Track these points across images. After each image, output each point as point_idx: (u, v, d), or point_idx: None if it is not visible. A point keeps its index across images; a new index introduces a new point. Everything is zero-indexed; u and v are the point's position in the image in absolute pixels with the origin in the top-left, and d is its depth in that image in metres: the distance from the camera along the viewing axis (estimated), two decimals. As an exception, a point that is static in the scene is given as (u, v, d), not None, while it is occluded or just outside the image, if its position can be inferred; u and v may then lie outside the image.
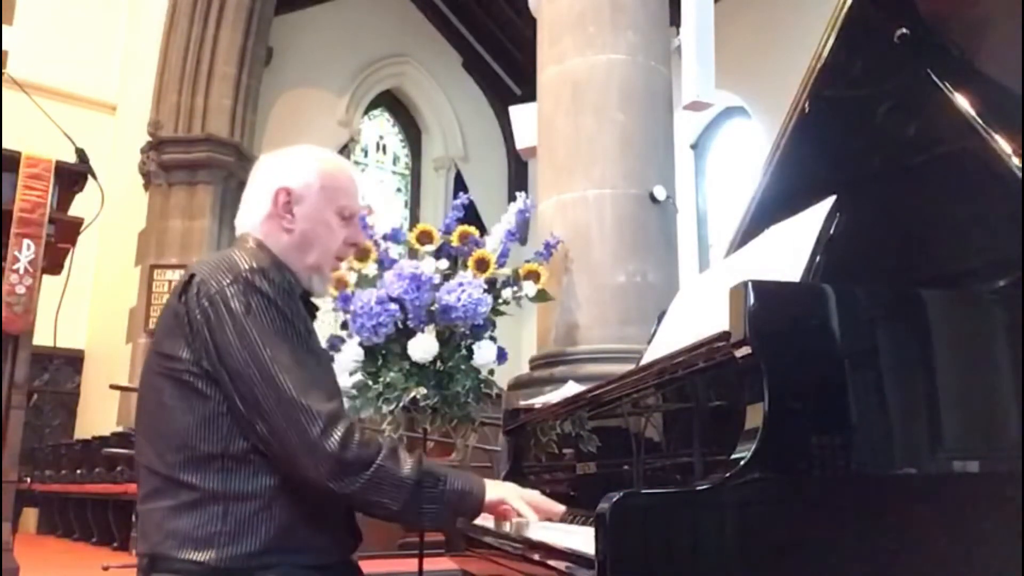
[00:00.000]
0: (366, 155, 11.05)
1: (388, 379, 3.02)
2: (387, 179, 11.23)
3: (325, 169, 1.48)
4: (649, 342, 1.97)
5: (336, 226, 1.47)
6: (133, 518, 5.31)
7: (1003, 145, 1.44)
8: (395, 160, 11.47)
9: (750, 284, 1.11)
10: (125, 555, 5.31)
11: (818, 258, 1.32)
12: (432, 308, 3.07)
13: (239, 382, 1.25)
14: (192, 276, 1.32)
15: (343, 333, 3.13)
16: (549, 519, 1.36)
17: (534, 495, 1.38)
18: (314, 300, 1.52)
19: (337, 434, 1.22)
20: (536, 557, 1.28)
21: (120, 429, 7.35)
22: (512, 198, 3.70)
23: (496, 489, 1.36)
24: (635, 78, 4.22)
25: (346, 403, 2.21)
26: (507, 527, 1.46)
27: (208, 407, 1.27)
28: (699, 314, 1.67)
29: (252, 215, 1.46)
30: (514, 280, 3.40)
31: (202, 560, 1.23)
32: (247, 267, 1.31)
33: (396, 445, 1.30)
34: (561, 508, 1.38)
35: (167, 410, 1.29)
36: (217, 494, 1.25)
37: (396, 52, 11.04)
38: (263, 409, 1.23)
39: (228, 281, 1.28)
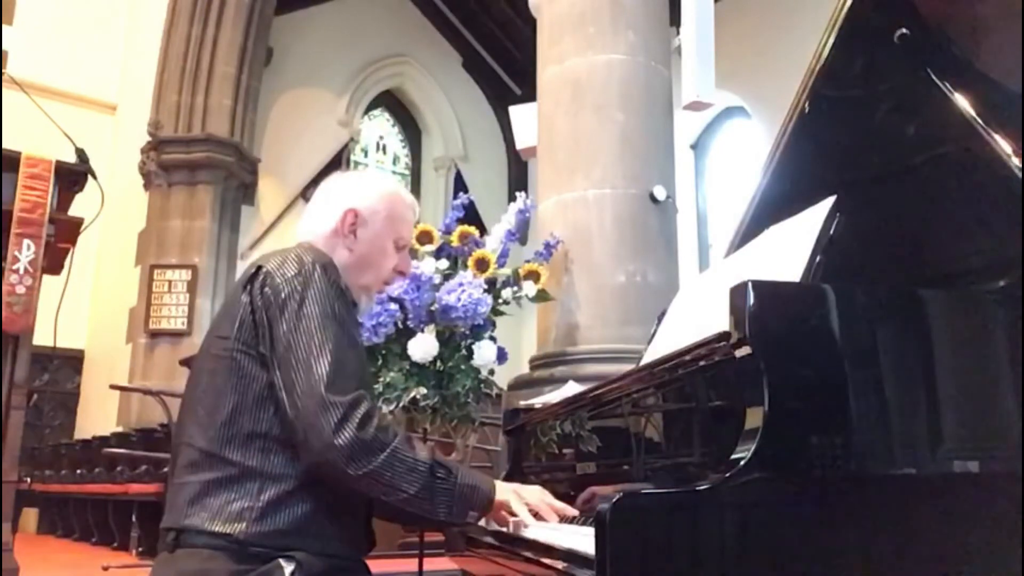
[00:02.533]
0: (366, 155, 11.04)
1: (388, 379, 3.02)
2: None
3: (392, 198, 1.58)
4: (649, 342, 1.97)
5: (391, 253, 1.56)
6: (133, 518, 5.31)
7: (1003, 145, 1.44)
8: (395, 160, 11.46)
9: (750, 284, 1.11)
10: (125, 555, 5.31)
11: (818, 258, 1.32)
12: (432, 308, 3.07)
13: (281, 365, 1.31)
14: (259, 268, 1.40)
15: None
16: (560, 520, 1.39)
17: (543, 497, 1.41)
18: None
19: (356, 419, 1.27)
20: (536, 557, 1.28)
21: (120, 429, 7.36)
22: (512, 198, 3.70)
23: (504, 491, 1.39)
24: (635, 78, 4.21)
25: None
26: (504, 528, 1.46)
27: (258, 388, 1.34)
28: (699, 314, 1.67)
29: (315, 228, 1.54)
30: (514, 280, 3.40)
31: (230, 532, 1.27)
32: (310, 261, 1.39)
33: (411, 436, 1.36)
34: (571, 511, 1.41)
35: (219, 388, 1.35)
36: (256, 471, 1.31)
37: (396, 52, 11.03)
38: (295, 394, 1.29)
39: (292, 274, 1.37)
